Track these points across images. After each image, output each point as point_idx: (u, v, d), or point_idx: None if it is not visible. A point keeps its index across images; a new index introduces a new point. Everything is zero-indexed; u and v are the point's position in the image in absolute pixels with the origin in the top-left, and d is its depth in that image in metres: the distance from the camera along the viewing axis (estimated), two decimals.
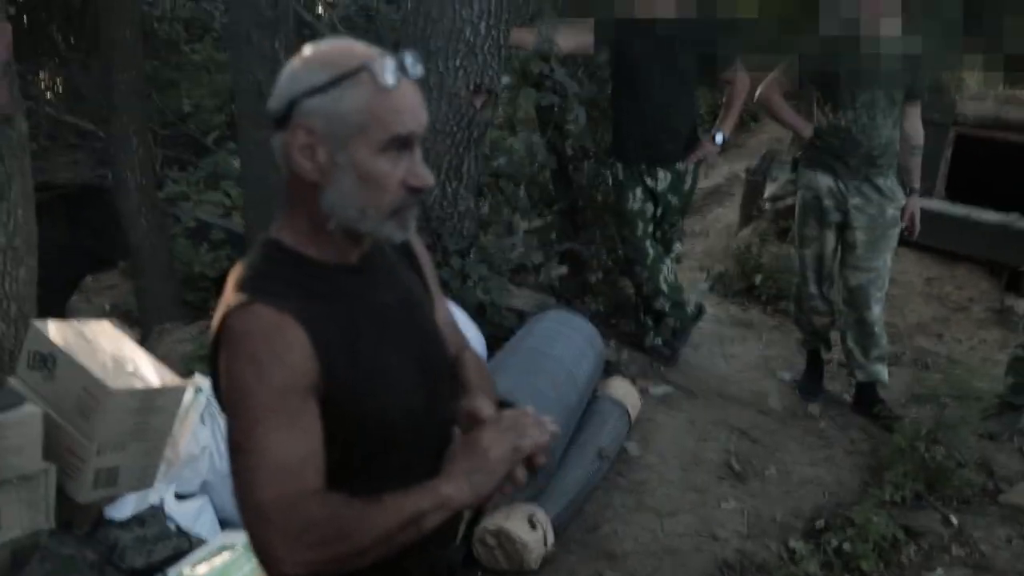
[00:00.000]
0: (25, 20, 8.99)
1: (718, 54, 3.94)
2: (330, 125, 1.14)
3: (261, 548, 1.10)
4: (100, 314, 6.10)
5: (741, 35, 4.08)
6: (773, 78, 3.79)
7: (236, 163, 6.85)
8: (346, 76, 1.14)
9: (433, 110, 3.50)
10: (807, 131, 3.76)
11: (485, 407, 1.28)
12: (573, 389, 3.18)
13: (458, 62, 3.45)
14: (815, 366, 4.14)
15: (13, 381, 2.29)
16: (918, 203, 3.74)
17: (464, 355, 1.47)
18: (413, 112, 1.17)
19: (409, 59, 1.17)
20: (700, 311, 4.21)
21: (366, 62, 1.15)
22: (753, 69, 4.18)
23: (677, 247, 4.36)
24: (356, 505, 1.11)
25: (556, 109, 3.93)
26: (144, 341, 4.93)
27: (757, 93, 3.85)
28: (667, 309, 4.08)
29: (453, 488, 1.14)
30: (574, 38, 3.93)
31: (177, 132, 9.09)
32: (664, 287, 4.04)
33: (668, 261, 4.12)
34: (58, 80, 9.18)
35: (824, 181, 3.73)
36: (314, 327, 1.16)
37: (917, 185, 3.77)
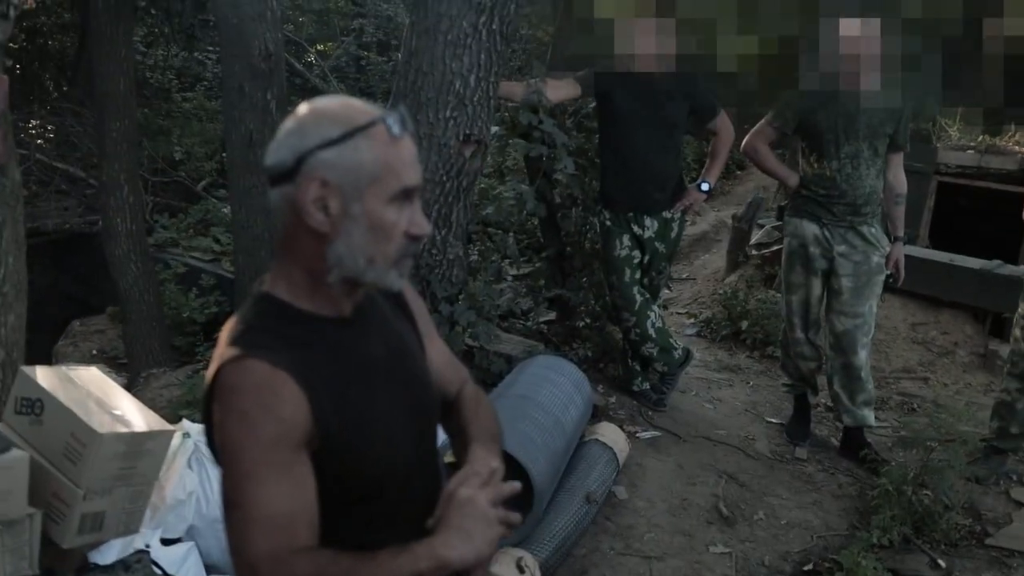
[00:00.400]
0: (18, 69, 9.10)
1: (701, 105, 4.02)
2: (346, 176, 1.18)
3: None
4: (87, 359, 6.08)
5: (724, 88, 4.17)
6: (759, 129, 3.86)
7: (226, 210, 6.91)
8: (360, 129, 1.19)
9: (423, 159, 3.54)
10: (792, 180, 3.84)
11: (478, 460, 1.30)
12: (561, 434, 3.19)
13: (448, 113, 3.51)
14: (802, 410, 4.16)
15: (0, 426, 2.29)
16: (903, 251, 3.80)
17: (464, 391, 1.51)
18: (415, 164, 1.24)
19: (407, 115, 1.24)
20: (687, 356, 4.24)
21: (379, 116, 1.21)
22: (737, 119, 4.28)
23: (665, 293, 4.40)
24: (344, 563, 1.12)
25: (545, 159, 3.99)
26: (131, 386, 4.93)
27: (743, 144, 3.92)
28: (655, 354, 4.10)
29: (451, 550, 1.16)
30: (562, 90, 4.00)
31: (168, 179, 9.17)
32: (652, 332, 4.07)
33: (655, 307, 4.16)
34: (49, 128, 9.27)
35: (810, 229, 3.79)
36: (307, 380, 1.18)
37: (901, 233, 3.84)
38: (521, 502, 2.88)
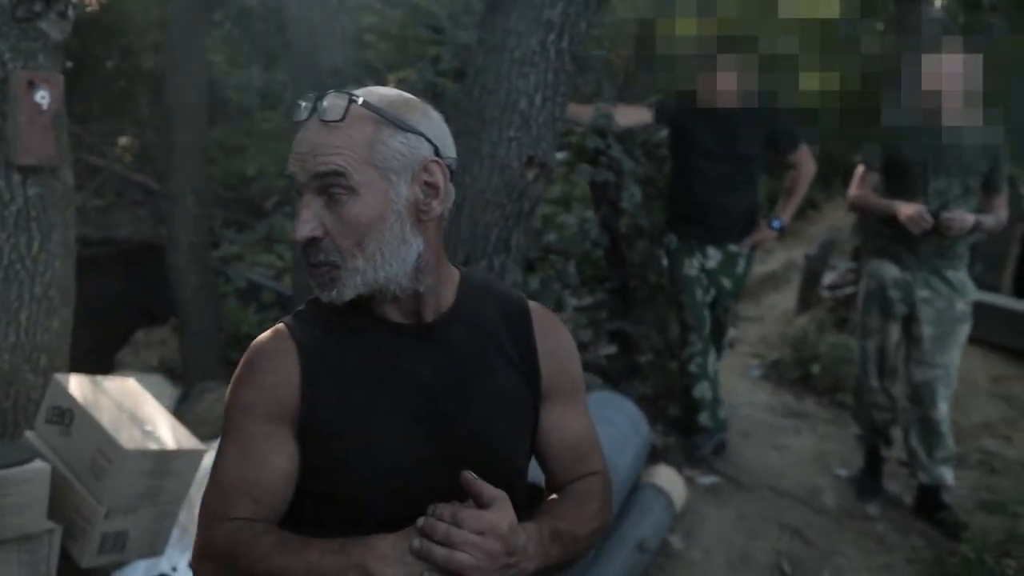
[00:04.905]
0: (113, 88, 9.31)
1: (781, 136, 3.86)
2: None
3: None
4: (146, 369, 6.10)
5: (804, 124, 4.01)
6: (858, 179, 3.65)
7: (290, 226, 6.92)
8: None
9: (484, 180, 3.43)
10: (906, 209, 3.40)
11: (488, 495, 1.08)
12: (612, 476, 3.00)
13: (512, 133, 3.39)
14: (874, 464, 3.90)
15: (30, 435, 2.23)
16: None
17: (577, 484, 1.27)
18: (304, 154, 1.11)
19: (330, 99, 1.11)
20: (723, 429, 4.04)
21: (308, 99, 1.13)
22: (819, 159, 4.08)
23: (731, 332, 4.21)
24: (264, 546, 1.05)
25: (611, 186, 3.86)
26: (185, 398, 4.91)
27: (848, 202, 3.73)
28: (707, 399, 3.91)
29: (387, 570, 1.02)
30: (633, 115, 3.90)
31: (239, 195, 9.28)
32: (711, 372, 3.90)
33: (713, 353, 3.97)
34: (132, 141, 9.51)
35: (890, 271, 3.57)
36: (312, 363, 1.13)
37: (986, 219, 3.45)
38: None
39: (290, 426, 1.12)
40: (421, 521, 1.04)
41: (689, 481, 3.64)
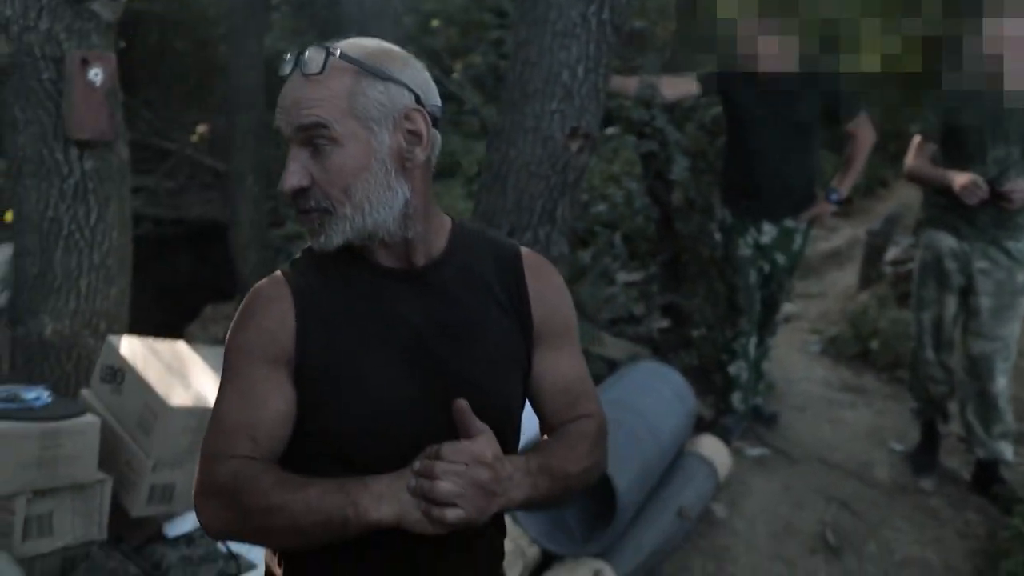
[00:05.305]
0: (191, 78, 9.56)
1: (839, 102, 3.73)
2: None
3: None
4: (213, 342, 6.32)
5: (863, 89, 3.89)
6: (915, 149, 3.55)
7: None
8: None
9: (528, 153, 3.46)
10: (960, 178, 3.31)
11: (475, 431, 1.11)
12: (653, 443, 3.03)
13: (555, 105, 3.40)
14: (930, 438, 3.82)
15: (85, 393, 2.36)
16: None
17: (570, 426, 1.29)
18: (288, 106, 1.15)
19: (309, 53, 1.14)
20: (750, 415, 3.96)
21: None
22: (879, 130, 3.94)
23: (787, 307, 4.12)
24: (265, 483, 1.09)
25: (657, 157, 3.83)
26: None
27: (905, 168, 3.62)
28: (741, 379, 3.85)
29: (382, 508, 1.06)
30: (680, 86, 3.84)
31: None
32: (751, 352, 3.83)
33: (755, 336, 3.91)
34: (206, 128, 9.81)
35: (946, 241, 3.48)
36: (306, 308, 1.17)
37: None
38: (603, 509, 2.75)
39: (286, 368, 1.16)
40: (417, 464, 1.07)
41: (737, 452, 3.63)
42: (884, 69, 3.93)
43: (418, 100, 1.17)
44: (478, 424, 1.11)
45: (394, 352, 1.19)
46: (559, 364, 1.30)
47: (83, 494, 2.10)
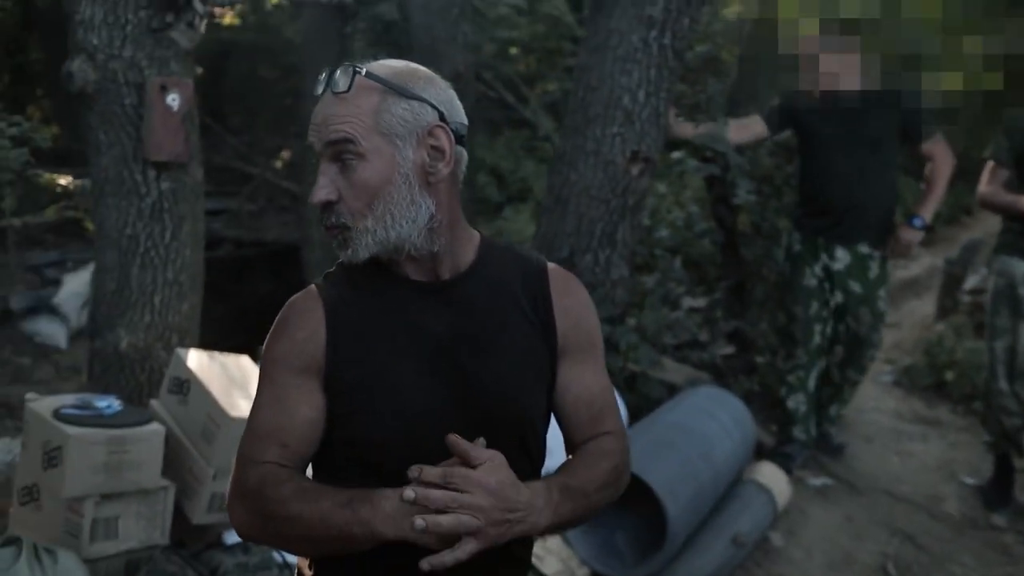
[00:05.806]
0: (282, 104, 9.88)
1: (910, 121, 3.59)
2: None
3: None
4: None
5: (939, 108, 3.77)
6: (988, 175, 3.46)
7: None
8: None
9: (588, 176, 3.51)
10: None
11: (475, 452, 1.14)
12: (708, 468, 3.00)
13: (615, 129, 3.45)
14: (1004, 472, 3.68)
15: (154, 403, 2.47)
16: None
17: (590, 444, 1.31)
18: (320, 124, 1.21)
19: (339, 73, 1.20)
20: (809, 446, 3.86)
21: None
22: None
23: (872, 354, 3.93)
24: (287, 490, 1.14)
25: (721, 181, 3.82)
26: None
27: (978, 194, 3.52)
28: (799, 413, 3.74)
29: (386, 526, 1.11)
30: (746, 130, 3.76)
31: None
32: (811, 386, 3.74)
33: (818, 367, 3.79)
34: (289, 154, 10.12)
35: (1019, 268, 3.39)
36: (336, 320, 1.22)
37: None
38: (654, 533, 2.74)
39: (317, 377, 1.21)
40: (411, 492, 1.11)
41: (798, 481, 3.57)
42: (965, 87, 3.81)
43: (442, 117, 1.22)
44: (479, 451, 1.14)
45: (420, 362, 1.23)
46: (583, 377, 1.32)
47: (147, 500, 2.20)
